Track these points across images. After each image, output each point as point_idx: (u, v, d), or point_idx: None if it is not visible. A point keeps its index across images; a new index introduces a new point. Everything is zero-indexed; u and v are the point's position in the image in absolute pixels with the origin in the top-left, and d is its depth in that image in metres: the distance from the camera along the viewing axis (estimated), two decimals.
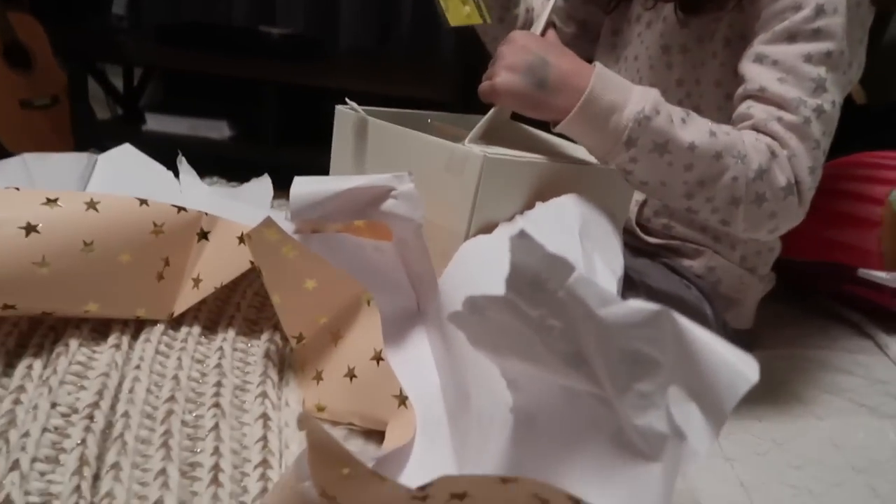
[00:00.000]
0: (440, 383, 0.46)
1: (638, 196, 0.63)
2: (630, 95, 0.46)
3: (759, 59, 0.50)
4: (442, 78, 1.50)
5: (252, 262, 0.48)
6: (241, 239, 0.49)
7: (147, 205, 0.47)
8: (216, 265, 0.49)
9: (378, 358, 0.44)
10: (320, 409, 0.45)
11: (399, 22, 1.73)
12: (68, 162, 0.63)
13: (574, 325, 0.32)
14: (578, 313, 0.32)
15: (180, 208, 0.49)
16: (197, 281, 0.49)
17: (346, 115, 0.57)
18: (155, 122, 1.55)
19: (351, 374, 0.45)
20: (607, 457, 0.32)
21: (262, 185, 0.69)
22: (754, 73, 0.50)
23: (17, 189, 0.46)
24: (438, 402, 0.45)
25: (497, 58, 0.49)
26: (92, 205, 0.45)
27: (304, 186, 0.47)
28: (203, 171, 0.82)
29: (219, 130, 1.53)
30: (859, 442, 0.50)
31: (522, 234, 0.31)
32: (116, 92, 1.72)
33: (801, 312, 0.73)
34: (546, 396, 0.35)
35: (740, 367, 0.26)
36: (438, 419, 0.44)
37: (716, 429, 0.26)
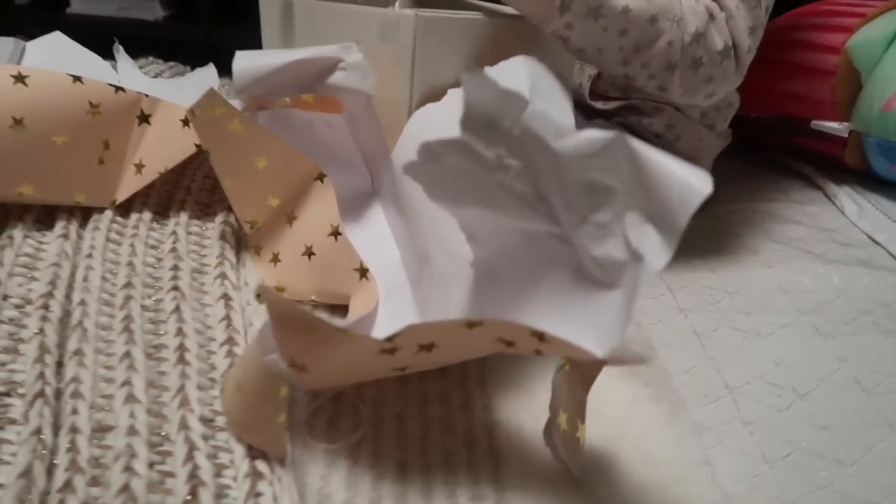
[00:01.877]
0: (400, 255, 0.46)
1: (591, 70, 0.62)
2: None
3: None
4: None
5: (198, 146, 0.46)
6: (185, 122, 0.46)
7: (81, 83, 0.44)
8: (159, 149, 0.47)
9: (336, 233, 0.44)
10: (280, 289, 0.44)
11: None
12: None
13: (531, 162, 0.33)
14: (535, 148, 0.32)
15: (118, 88, 0.46)
16: (139, 167, 0.47)
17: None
18: (79, 4, 1.43)
19: (309, 252, 0.44)
20: (567, 292, 0.32)
21: (207, 74, 0.65)
22: None
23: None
24: (399, 272, 0.46)
25: None
26: (20, 78, 0.42)
27: (246, 60, 0.45)
28: (136, 54, 0.77)
29: (151, 11, 1.43)
30: (805, 286, 0.52)
31: (474, 71, 0.30)
32: None
33: (754, 167, 0.74)
34: (506, 244, 0.35)
35: (692, 181, 0.26)
36: (401, 287, 0.44)
37: (671, 244, 0.27)
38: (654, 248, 0.28)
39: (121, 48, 0.68)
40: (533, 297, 0.34)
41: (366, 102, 0.45)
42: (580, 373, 0.31)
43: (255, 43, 0.52)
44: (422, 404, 0.37)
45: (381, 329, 0.40)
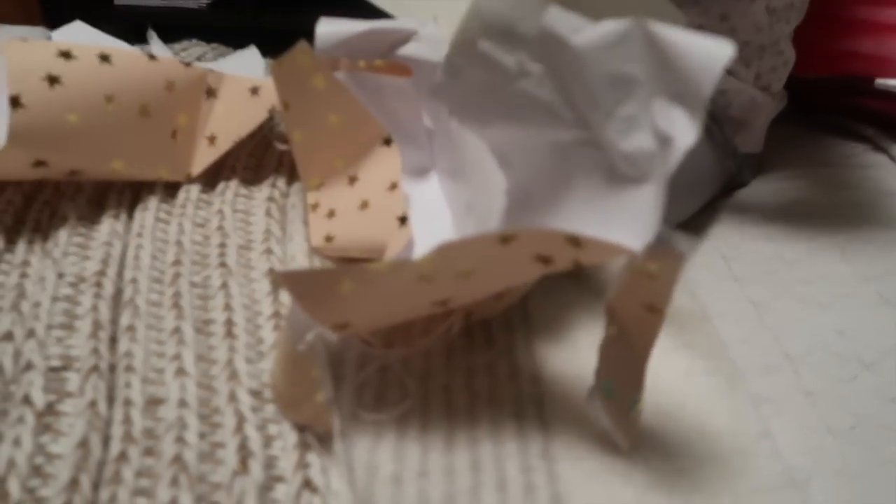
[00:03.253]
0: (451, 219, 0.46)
1: None
2: None
3: None
4: None
5: (268, 113, 0.48)
6: (254, 91, 0.49)
7: (156, 60, 0.46)
8: (229, 121, 0.48)
9: (394, 187, 0.44)
10: (329, 239, 0.45)
11: None
12: (25, 34, 0.59)
13: (552, 64, 0.33)
14: (554, 48, 0.32)
15: (186, 63, 0.48)
16: (212, 139, 0.48)
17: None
18: None
19: (364, 205, 0.45)
20: (601, 196, 0.32)
21: (249, 56, 0.65)
22: None
23: (25, 40, 0.44)
24: (447, 227, 0.45)
25: None
26: (105, 58, 0.43)
27: (329, 26, 0.46)
28: (180, 40, 0.78)
29: None
30: (869, 254, 0.50)
31: None
32: None
33: (810, 131, 0.71)
34: (536, 161, 0.35)
35: (711, 48, 0.27)
36: (443, 232, 0.44)
37: (697, 119, 0.27)
38: (682, 126, 0.28)
39: (154, 34, 0.68)
40: (567, 208, 0.34)
41: (433, 70, 0.45)
42: (634, 339, 0.30)
43: (297, 27, 0.52)
44: (468, 376, 0.36)
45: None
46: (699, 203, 0.55)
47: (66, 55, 0.42)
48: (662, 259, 0.26)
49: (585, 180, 0.33)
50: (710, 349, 0.39)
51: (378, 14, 0.52)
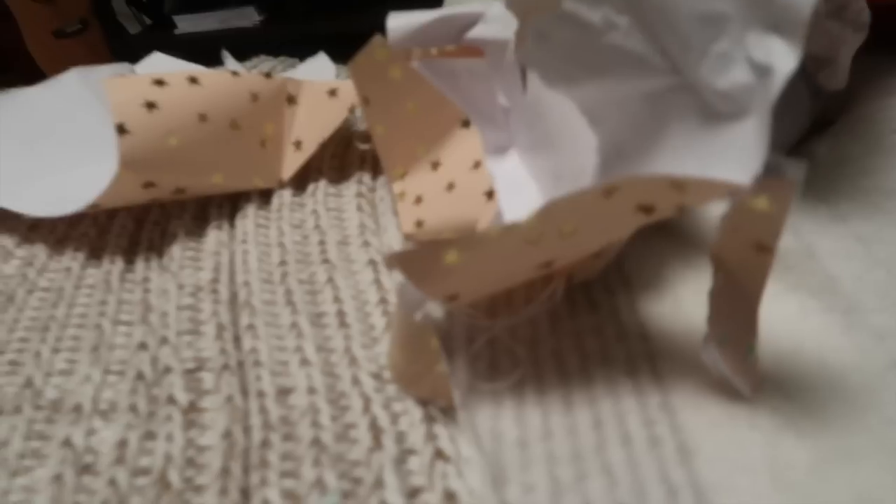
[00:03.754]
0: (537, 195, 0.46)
1: None
2: None
3: None
4: None
5: (349, 110, 0.50)
6: (332, 93, 0.51)
7: (239, 75, 0.48)
8: (312, 125, 0.51)
9: (477, 164, 0.45)
10: (419, 224, 0.46)
11: None
12: (112, 71, 0.63)
13: (638, 14, 0.32)
14: None
15: (267, 74, 0.50)
16: (298, 144, 0.50)
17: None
18: (185, 24, 1.52)
19: (451, 187, 0.46)
20: (698, 138, 0.32)
21: (320, 61, 0.68)
22: None
23: (123, 75, 0.47)
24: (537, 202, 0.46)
25: None
26: (194, 80, 0.46)
27: (400, 19, 0.47)
28: (240, 59, 0.81)
29: (248, 17, 1.50)
30: None
31: None
32: (140, 2, 1.69)
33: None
34: (628, 114, 0.35)
35: None
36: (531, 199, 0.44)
37: (797, 44, 0.27)
38: (780, 54, 0.27)
39: (227, 53, 0.71)
40: (663, 155, 0.34)
41: (504, 49, 0.46)
42: (745, 283, 0.29)
43: (348, 30, 0.54)
44: (577, 340, 0.37)
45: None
46: (787, 145, 0.53)
47: (159, 83, 0.45)
48: (773, 189, 0.26)
49: (681, 126, 0.33)
50: (822, 287, 0.38)
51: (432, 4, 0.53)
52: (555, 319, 0.38)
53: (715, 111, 0.31)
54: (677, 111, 0.33)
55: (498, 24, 0.46)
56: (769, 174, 0.26)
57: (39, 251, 0.45)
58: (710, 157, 0.31)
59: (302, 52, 0.80)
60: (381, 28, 0.56)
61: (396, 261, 0.30)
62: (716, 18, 0.30)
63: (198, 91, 0.46)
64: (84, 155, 0.50)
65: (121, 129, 0.42)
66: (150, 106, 0.44)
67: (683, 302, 0.39)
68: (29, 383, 0.36)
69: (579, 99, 0.37)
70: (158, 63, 0.63)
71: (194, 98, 0.46)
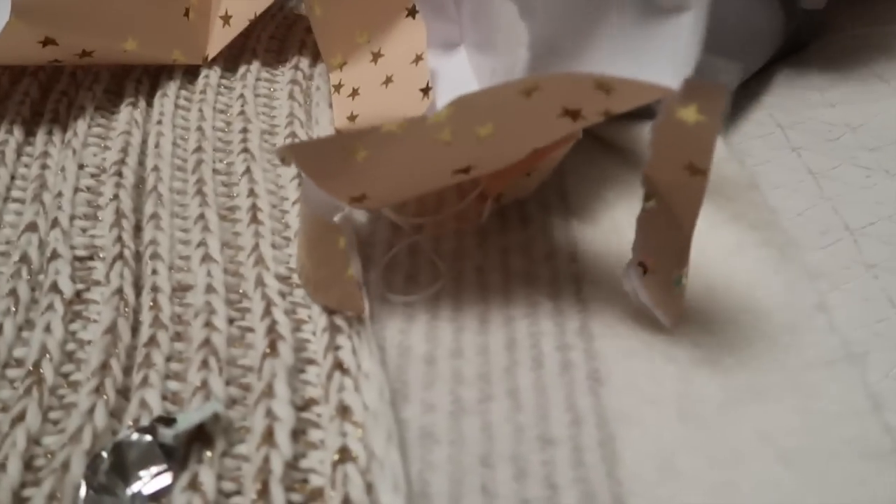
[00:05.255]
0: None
1: None
2: None
3: None
4: None
5: None
6: None
7: None
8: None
9: (418, 59, 0.41)
10: (352, 118, 0.42)
11: None
12: None
13: None
14: None
15: None
16: (226, 18, 0.45)
17: None
18: None
19: (388, 81, 0.42)
20: (633, 33, 0.28)
21: None
22: None
23: None
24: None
25: None
26: None
27: None
28: None
29: None
30: None
31: None
32: None
33: None
34: (563, 4, 0.31)
35: None
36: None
37: None
38: None
39: None
40: (596, 52, 0.30)
41: None
42: (676, 209, 0.27)
43: None
44: (503, 256, 0.35)
45: None
46: (753, 66, 0.50)
47: None
48: (702, 95, 0.23)
49: (616, 19, 0.29)
50: (761, 220, 0.36)
51: None
52: (483, 234, 0.36)
53: (654, 2, 0.27)
54: (615, 2, 0.29)
55: None
56: (700, 78, 0.24)
57: None
58: (642, 56, 0.28)
59: None
60: None
61: (294, 154, 0.27)
62: None
63: None
64: None
65: None
66: None
67: (620, 225, 0.37)
68: None
69: None
70: None
71: None
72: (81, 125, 0.40)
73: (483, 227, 0.36)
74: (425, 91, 0.41)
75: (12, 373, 0.28)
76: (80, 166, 0.37)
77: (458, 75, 0.46)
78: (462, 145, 0.27)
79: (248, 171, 0.38)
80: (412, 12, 0.43)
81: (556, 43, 0.32)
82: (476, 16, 0.42)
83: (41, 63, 0.43)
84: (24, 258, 0.32)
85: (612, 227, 0.37)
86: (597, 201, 0.38)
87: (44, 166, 0.38)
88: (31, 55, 0.41)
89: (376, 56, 0.44)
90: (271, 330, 0.29)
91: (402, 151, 0.27)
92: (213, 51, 0.46)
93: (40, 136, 0.40)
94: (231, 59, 0.48)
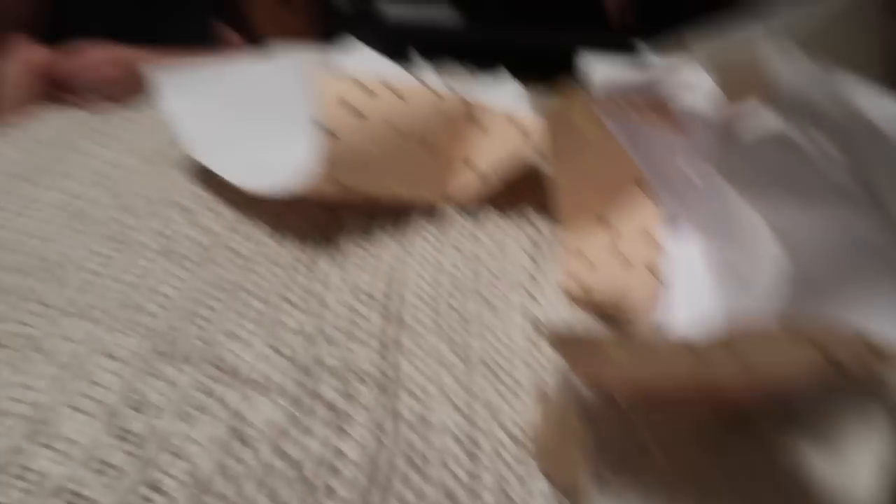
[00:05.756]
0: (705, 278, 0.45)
1: None
2: None
3: None
4: None
5: (533, 149, 0.51)
6: (522, 131, 0.51)
7: (440, 96, 0.51)
8: (496, 157, 0.52)
9: (649, 234, 0.45)
10: (578, 281, 0.46)
11: None
12: (317, 59, 0.66)
13: (853, 147, 0.31)
14: (857, 131, 0.31)
15: (465, 100, 0.52)
16: (478, 171, 0.52)
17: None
18: (388, 8, 1.60)
19: (617, 251, 0.46)
20: None
21: (513, 90, 0.68)
22: None
23: (329, 69, 0.51)
24: (703, 285, 0.44)
25: None
26: (399, 95, 0.49)
27: (605, 72, 0.47)
28: (433, 55, 0.83)
29: (446, 14, 1.55)
30: None
31: (789, 54, 0.31)
32: None
33: None
34: (822, 245, 0.33)
35: None
36: (699, 294, 0.43)
37: None
38: None
39: (417, 55, 0.74)
40: (860, 305, 0.32)
41: (705, 125, 0.45)
42: None
43: (547, 46, 0.54)
44: (720, 457, 0.36)
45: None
46: None
47: (369, 92, 0.48)
48: None
49: (886, 275, 0.31)
50: None
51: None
52: (701, 430, 0.37)
53: None
54: (880, 252, 0.31)
55: (703, 99, 0.45)
56: None
57: (249, 218, 0.50)
58: None
59: (494, 56, 0.82)
60: (572, 50, 0.56)
61: (558, 341, 0.31)
62: None
63: (402, 107, 0.49)
64: (286, 135, 0.54)
65: (328, 133, 0.46)
66: (358, 115, 0.47)
67: None
68: (203, 339, 0.40)
69: (770, 216, 0.35)
70: (365, 58, 0.66)
71: (398, 113, 0.49)
72: (356, 252, 0.48)
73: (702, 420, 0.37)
74: (654, 269, 0.44)
75: (286, 469, 0.33)
76: (353, 289, 0.44)
77: (683, 252, 0.48)
78: (721, 370, 0.29)
79: (479, 314, 0.43)
80: (644, 187, 0.47)
81: (811, 277, 0.33)
82: (714, 204, 0.45)
83: (332, 199, 0.51)
84: (302, 365, 0.38)
85: None
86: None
87: (326, 285, 0.45)
88: (326, 193, 0.48)
89: (607, 226, 0.48)
90: (499, 487, 0.32)
91: (662, 366, 0.30)
92: (462, 198, 0.52)
93: (324, 257, 0.48)
94: (473, 205, 0.54)
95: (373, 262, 0.47)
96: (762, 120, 0.35)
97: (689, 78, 0.46)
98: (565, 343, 0.31)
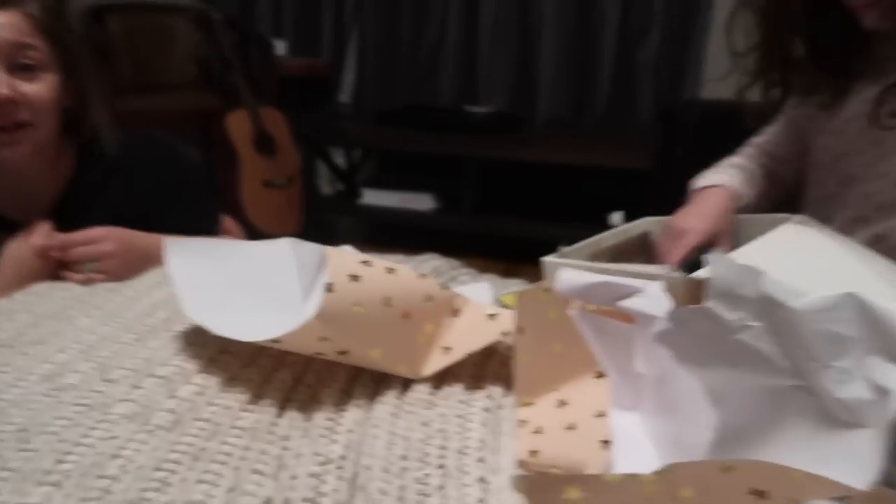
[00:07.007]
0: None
1: None
2: None
3: None
4: (638, 147, 1.52)
5: (503, 334, 0.56)
6: (492, 317, 0.57)
7: (423, 278, 0.58)
8: (465, 337, 0.57)
9: (602, 414, 0.48)
10: (533, 454, 0.48)
11: (595, 95, 1.78)
12: (314, 249, 0.72)
13: (771, 321, 0.38)
14: (773, 309, 0.38)
15: (443, 286, 0.59)
16: (447, 349, 0.57)
17: (552, 265, 0.62)
18: (370, 197, 1.73)
19: (571, 427, 0.49)
20: (816, 437, 0.36)
21: (482, 289, 0.75)
22: None
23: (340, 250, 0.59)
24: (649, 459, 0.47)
25: None
26: (391, 270, 0.56)
27: (568, 275, 0.54)
28: (409, 240, 0.91)
29: (424, 203, 1.68)
30: None
31: (716, 254, 0.41)
32: (339, 170, 1.94)
33: None
34: (750, 403, 0.39)
35: None
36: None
37: None
38: None
39: (399, 241, 0.81)
40: (779, 448, 0.37)
41: (653, 324, 0.50)
42: None
43: (510, 235, 0.61)
44: None
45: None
46: None
47: (366, 263, 0.55)
48: (885, 500, 0.28)
49: (798, 422, 0.37)
50: None
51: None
52: None
53: (832, 416, 0.35)
54: (797, 409, 0.37)
55: (653, 301, 0.51)
56: (884, 485, 0.29)
57: (212, 384, 0.53)
58: (825, 457, 0.34)
59: (469, 243, 0.89)
60: (544, 240, 0.62)
61: (522, 484, 0.33)
62: (840, 339, 0.35)
63: (391, 279, 0.55)
64: (274, 305, 0.59)
65: (329, 288, 0.51)
66: (355, 278, 0.53)
67: None
68: None
69: (705, 381, 0.41)
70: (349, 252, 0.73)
71: (387, 284, 0.55)
72: (319, 417, 0.50)
73: None
74: (605, 444, 0.47)
75: None
76: (314, 454, 0.46)
77: (631, 432, 0.52)
78: (661, 502, 0.32)
79: (442, 486, 0.45)
80: (600, 375, 0.51)
81: (741, 432, 0.38)
82: (660, 389, 0.49)
83: (308, 353, 0.55)
84: None
85: None
86: None
87: (284, 448, 0.47)
88: (307, 345, 0.53)
89: (562, 403, 0.51)
90: None
91: (612, 499, 0.32)
92: (428, 371, 0.56)
93: (285, 420, 0.50)
94: (438, 378, 0.57)
95: (332, 425, 0.49)
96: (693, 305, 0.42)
97: (641, 285, 0.52)
98: (528, 486, 0.33)
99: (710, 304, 0.39)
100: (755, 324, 0.39)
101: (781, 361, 0.38)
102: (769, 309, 0.39)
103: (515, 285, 0.79)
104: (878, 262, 0.51)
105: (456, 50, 1.85)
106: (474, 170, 1.54)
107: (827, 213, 0.63)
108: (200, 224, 0.91)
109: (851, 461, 0.33)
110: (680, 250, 0.63)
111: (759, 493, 0.31)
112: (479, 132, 1.60)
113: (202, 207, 0.99)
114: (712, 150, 0.74)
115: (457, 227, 1.51)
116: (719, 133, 0.78)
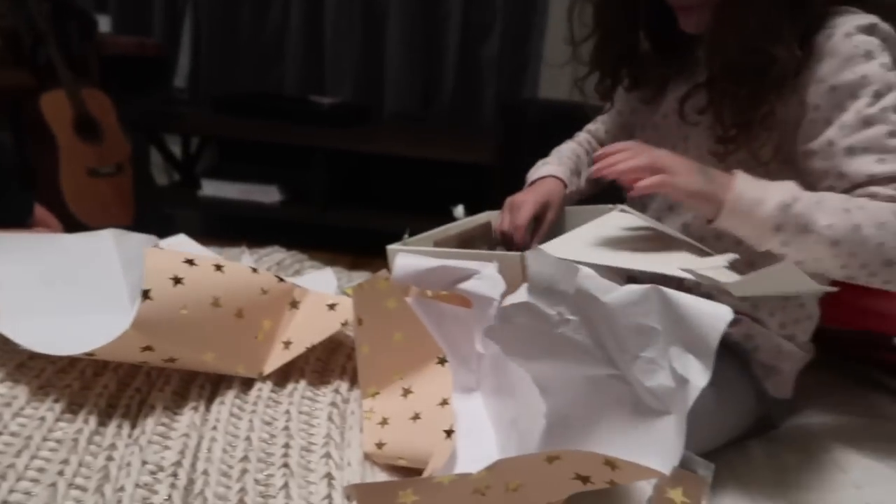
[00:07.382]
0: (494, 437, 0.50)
1: None
2: (769, 188, 0.51)
3: (850, 152, 0.53)
4: (483, 142, 1.57)
5: (342, 325, 0.55)
6: (331, 307, 0.56)
7: (257, 272, 0.55)
8: (305, 330, 0.55)
9: (444, 403, 0.49)
10: (380, 446, 0.48)
11: (441, 89, 1.81)
12: (142, 241, 0.67)
13: (587, 314, 0.42)
14: (588, 303, 0.41)
15: (280, 278, 0.56)
16: (287, 343, 0.55)
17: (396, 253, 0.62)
18: (210, 188, 1.64)
19: (416, 417, 0.49)
20: (631, 424, 0.40)
21: (326, 278, 0.74)
22: (853, 166, 0.53)
23: (159, 248, 0.52)
24: (493, 451, 0.49)
25: (651, 159, 0.54)
26: (219, 268, 0.52)
27: (406, 259, 0.54)
28: (254, 233, 0.87)
29: (269, 195, 1.61)
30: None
31: (535, 249, 0.43)
32: (175, 159, 1.81)
33: (840, 380, 0.74)
34: (574, 392, 0.42)
35: (715, 311, 0.37)
36: (487, 447, 0.48)
37: (708, 365, 0.36)
38: (696, 371, 0.36)
39: (246, 251, 0.78)
40: (601, 433, 0.41)
41: (488, 305, 0.52)
42: None
43: (360, 227, 0.61)
44: None
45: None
46: (736, 432, 0.59)
47: (190, 262, 0.51)
48: (687, 483, 0.31)
49: (617, 409, 0.41)
50: None
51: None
52: None
53: (644, 403, 0.38)
54: (614, 396, 0.41)
55: (489, 283, 0.52)
56: (685, 469, 0.32)
57: (21, 393, 0.47)
58: (638, 443, 0.38)
59: (317, 236, 0.87)
60: (392, 232, 0.62)
61: (355, 493, 0.33)
62: (647, 331, 0.39)
63: (219, 278, 0.51)
64: (94, 305, 0.54)
65: (145, 295, 0.47)
66: (177, 281, 0.49)
67: None
68: None
69: (532, 372, 0.43)
70: (182, 244, 0.69)
71: (215, 283, 0.51)
72: (149, 423, 0.46)
73: None
74: (448, 432, 0.47)
75: None
76: (143, 463, 0.43)
77: (474, 415, 0.54)
78: (494, 496, 0.33)
79: (285, 485, 0.43)
80: (442, 361, 0.52)
81: (568, 418, 0.41)
82: (497, 371, 0.51)
83: (132, 362, 0.51)
84: None
85: None
86: None
87: (109, 458, 0.43)
88: (129, 356, 0.49)
89: (406, 392, 0.52)
90: None
91: (445, 499, 0.33)
92: (269, 368, 0.54)
93: (111, 429, 0.46)
94: (282, 374, 0.55)
95: (164, 430, 0.46)
96: (518, 296, 0.43)
97: (477, 267, 0.54)
98: (361, 494, 0.33)
99: (531, 299, 0.41)
100: (573, 318, 0.42)
101: (598, 352, 0.41)
102: (584, 303, 0.41)
103: (361, 278, 0.78)
104: (685, 245, 0.56)
105: (300, 38, 1.80)
106: (322, 161, 1.51)
107: (644, 202, 0.68)
108: (10, 215, 0.82)
109: (660, 445, 0.37)
110: (516, 219, 0.67)
111: (583, 478, 0.34)
112: (325, 123, 1.57)
113: (12, 196, 0.88)
114: (553, 147, 0.78)
115: (304, 219, 1.47)
116: (560, 131, 0.82)
